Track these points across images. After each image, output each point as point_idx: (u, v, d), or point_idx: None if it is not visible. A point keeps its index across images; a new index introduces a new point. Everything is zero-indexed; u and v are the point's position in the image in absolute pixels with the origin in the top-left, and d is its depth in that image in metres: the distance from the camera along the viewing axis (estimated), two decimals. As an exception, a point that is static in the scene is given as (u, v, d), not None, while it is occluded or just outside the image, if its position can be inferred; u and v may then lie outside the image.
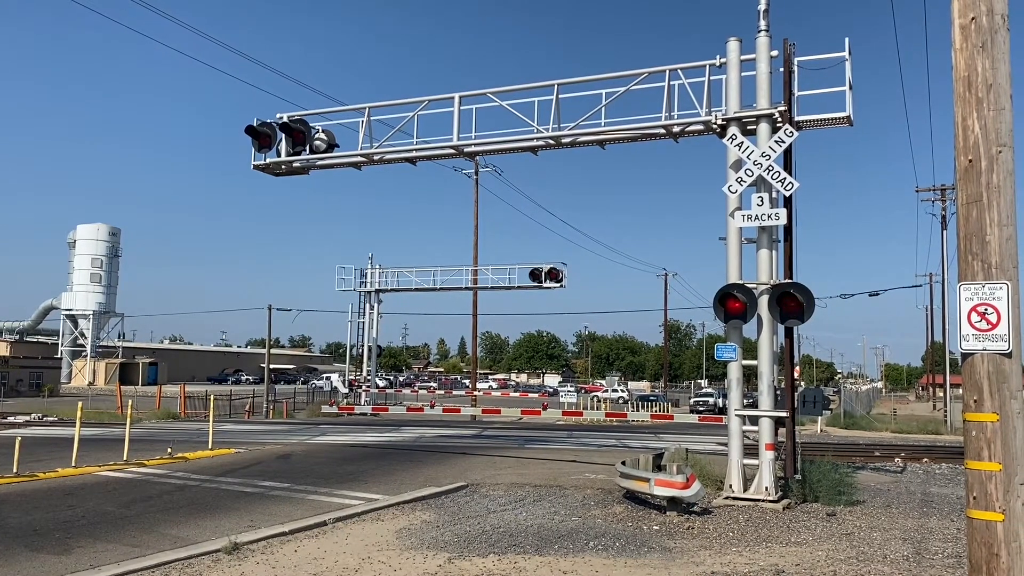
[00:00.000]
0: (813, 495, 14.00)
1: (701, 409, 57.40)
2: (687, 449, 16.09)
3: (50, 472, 16.29)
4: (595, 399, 56.59)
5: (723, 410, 57.23)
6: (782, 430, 14.56)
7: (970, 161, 5.69)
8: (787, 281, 14.23)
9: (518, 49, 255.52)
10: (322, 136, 19.42)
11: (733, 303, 14.02)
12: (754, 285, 14.25)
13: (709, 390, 72.86)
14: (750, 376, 15.13)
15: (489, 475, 16.98)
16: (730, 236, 14.66)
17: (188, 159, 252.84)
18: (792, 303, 13.67)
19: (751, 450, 14.42)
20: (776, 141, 14.04)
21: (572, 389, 68.40)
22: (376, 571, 8.99)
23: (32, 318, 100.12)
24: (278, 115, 19.48)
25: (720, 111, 15.16)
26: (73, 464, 17.03)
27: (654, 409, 50.29)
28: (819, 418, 33.96)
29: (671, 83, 15.78)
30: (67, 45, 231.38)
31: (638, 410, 50.72)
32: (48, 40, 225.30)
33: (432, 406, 41.82)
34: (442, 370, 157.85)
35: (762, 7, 14.48)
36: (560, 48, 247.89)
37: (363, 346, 45.39)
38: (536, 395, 74.15)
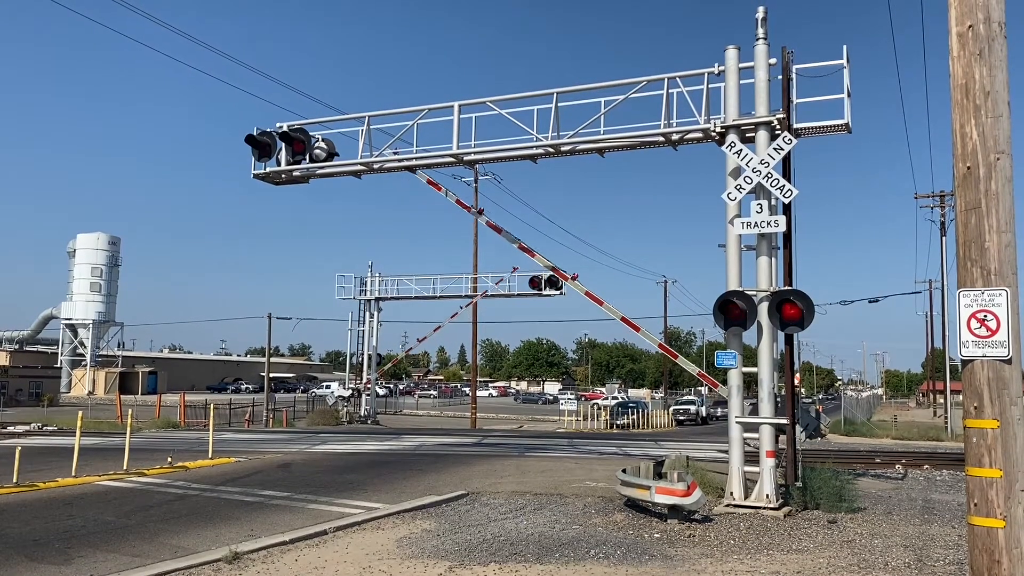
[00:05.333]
0: (814, 502, 13.97)
1: (682, 418, 55.18)
2: (688, 456, 16.09)
3: (50, 482, 16.25)
4: (595, 407, 56.35)
5: (706, 419, 55.94)
6: (782, 437, 14.54)
7: (968, 168, 5.72)
8: (787, 288, 14.23)
9: (518, 56, 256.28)
10: (322, 145, 19.48)
11: (733, 310, 14.02)
12: (754, 292, 14.25)
13: (691, 397, 67.26)
14: (750, 383, 15.13)
15: (490, 483, 16.94)
16: (729, 243, 14.68)
17: (187, 168, 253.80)
18: (792, 310, 13.67)
19: (752, 457, 14.40)
20: (775, 148, 14.06)
21: (572, 397, 68.12)
22: (377, 580, 8.96)
23: (32, 327, 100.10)
24: (278, 124, 19.56)
25: (719, 119, 15.20)
26: (73, 474, 16.99)
27: (634, 417, 48.33)
28: (820, 424, 33.85)
29: (670, 91, 15.84)
30: (67, 55, 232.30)
31: (615, 418, 48.13)
32: (48, 50, 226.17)
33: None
34: (442, 378, 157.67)
35: (760, 15, 14.52)
36: (560, 56, 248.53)
37: (363, 354, 45.42)
38: (537, 403, 73.84)
